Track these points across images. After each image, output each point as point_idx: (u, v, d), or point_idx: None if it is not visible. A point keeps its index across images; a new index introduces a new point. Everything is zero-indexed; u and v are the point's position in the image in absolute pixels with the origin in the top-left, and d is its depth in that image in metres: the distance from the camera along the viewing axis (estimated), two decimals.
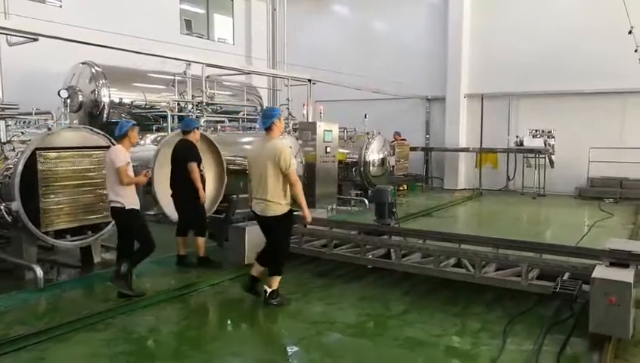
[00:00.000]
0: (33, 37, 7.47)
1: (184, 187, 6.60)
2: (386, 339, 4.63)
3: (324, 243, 6.81)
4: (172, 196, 6.80)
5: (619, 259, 4.79)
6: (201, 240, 6.83)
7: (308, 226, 6.16)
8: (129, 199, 5.51)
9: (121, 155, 5.47)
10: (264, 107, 5.26)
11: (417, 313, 5.21)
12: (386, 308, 5.38)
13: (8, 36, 8.37)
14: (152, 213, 7.80)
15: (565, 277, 5.04)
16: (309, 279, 6.34)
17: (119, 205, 5.47)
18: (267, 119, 5.21)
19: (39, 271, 5.83)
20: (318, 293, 5.82)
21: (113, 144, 6.57)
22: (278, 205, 5.09)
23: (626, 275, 4.39)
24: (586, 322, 4.42)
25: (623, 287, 4.20)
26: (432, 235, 6.70)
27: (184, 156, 6.63)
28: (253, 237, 6.50)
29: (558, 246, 5.92)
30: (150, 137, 9.29)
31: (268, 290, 5.26)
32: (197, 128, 6.92)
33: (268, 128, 5.19)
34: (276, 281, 5.30)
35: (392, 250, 6.31)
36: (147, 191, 7.05)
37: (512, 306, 5.32)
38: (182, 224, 6.93)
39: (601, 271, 4.54)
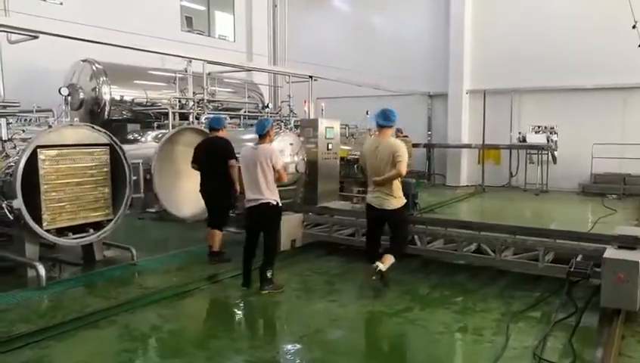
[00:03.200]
0: (34, 35, 7.46)
1: (223, 184, 6.74)
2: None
3: (351, 232, 7.31)
4: (205, 191, 6.90)
5: (627, 243, 5.18)
6: (220, 234, 6.93)
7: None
8: (278, 196, 5.72)
9: (279, 155, 5.81)
10: (384, 109, 5.72)
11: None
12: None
13: (9, 34, 8.37)
14: (153, 211, 7.80)
15: (578, 259, 5.53)
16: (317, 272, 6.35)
17: (274, 202, 5.64)
18: (388, 121, 5.60)
19: (42, 269, 5.82)
20: (322, 289, 5.83)
21: (115, 143, 6.57)
22: (395, 198, 5.49)
23: (634, 256, 4.84)
24: (590, 319, 4.46)
25: (631, 266, 4.68)
26: (453, 224, 7.03)
27: (226, 154, 6.78)
28: (288, 226, 7.20)
29: (570, 233, 6.30)
30: (151, 134, 9.28)
31: (381, 267, 5.45)
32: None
33: (386, 127, 5.63)
34: (389, 261, 5.53)
35: (417, 237, 6.68)
36: (148, 188, 7.04)
37: (516, 302, 5.31)
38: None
39: (611, 253, 4.99)
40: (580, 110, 14.55)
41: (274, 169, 5.61)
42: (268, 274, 5.66)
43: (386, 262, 5.52)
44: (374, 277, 5.50)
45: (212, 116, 8.45)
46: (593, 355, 4.14)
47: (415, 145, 15.90)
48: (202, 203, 7.06)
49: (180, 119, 9.16)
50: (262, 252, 5.72)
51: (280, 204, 5.74)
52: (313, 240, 7.67)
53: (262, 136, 5.77)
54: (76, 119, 7.14)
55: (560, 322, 4.72)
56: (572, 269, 5.25)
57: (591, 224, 9.74)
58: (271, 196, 5.65)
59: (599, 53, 13.86)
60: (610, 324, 4.58)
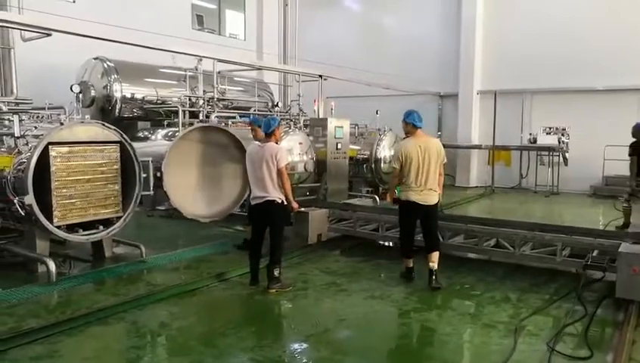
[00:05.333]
0: (47, 32, 7.51)
1: None
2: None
3: (374, 227, 7.66)
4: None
5: None
6: None
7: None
8: (282, 195, 5.69)
9: (285, 154, 5.75)
10: (414, 111, 6.07)
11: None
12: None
13: (22, 32, 8.45)
14: (162, 208, 7.82)
15: (594, 254, 5.88)
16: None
17: (279, 200, 5.64)
18: (420, 122, 5.96)
19: (52, 265, 5.88)
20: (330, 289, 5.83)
21: (126, 140, 6.60)
22: (437, 194, 5.93)
23: None
24: (602, 323, 4.41)
25: None
26: (472, 220, 7.36)
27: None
28: (315, 221, 7.60)
29: (586, 229, 6.64)
30: (161, 132, 9.32)
31: (435, 268, 5.82)
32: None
33: (420, 128, 5.99)
34: (437, 257, 5.87)
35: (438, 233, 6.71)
36: (158, 185, 7.07)
37: (525, 306, 5.28)
38: None
39: (627, 247, 5.35)
40: (592, 112, 14.38)
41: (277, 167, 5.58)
42: (276, 273, 5.66)
43: (436, 261, 5.86)
44: (434, 282, 5.74)
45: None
46: (603, 359, 4.10)
47: None
48: (218, 204, 7.03)
49: (190, 118, 9.18)
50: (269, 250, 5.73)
51: (284, 202, 5.70)
52: (339, 234, 7.99)
53: (269, 134, 5.75)
54: (87, 117, 7.18)
55: (570, 325, 4.68)
56: (588, 263, 5.65)
57: (602, 226, 9.63)
58: (277, 194, 5.64)
59: (612, 54, 13.69)
60: (621, 328, 4.57)
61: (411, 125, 5.92)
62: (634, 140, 9.26)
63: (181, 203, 7.35)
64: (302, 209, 7.22)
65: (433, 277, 5.77)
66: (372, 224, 7.75)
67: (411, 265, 6.05)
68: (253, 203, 5.79)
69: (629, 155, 9.32)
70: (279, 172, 5.60)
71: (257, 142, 5.94)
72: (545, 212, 12.18)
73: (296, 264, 6.78)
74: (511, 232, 6.60)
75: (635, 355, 4.15)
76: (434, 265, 5.82)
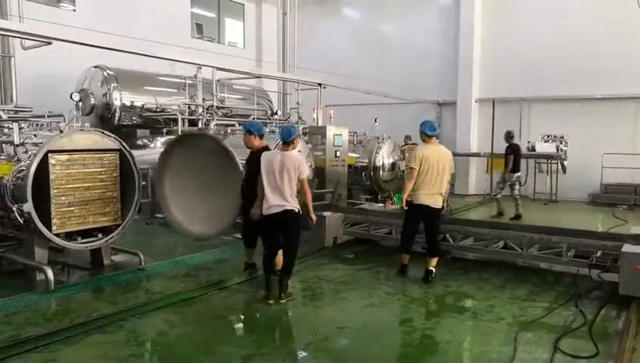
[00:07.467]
0: (47, 41, 7.55)
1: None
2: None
3: (388, 231, 7.92)
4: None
5: None
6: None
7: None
8: (297, 205, 5.64)
9: (306, 166, 5.79)
10: (430, 120, 6.66)
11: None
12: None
13: (23, 40, 8.50)
14: (161, 216, 7.81)
15: (598, 255, 6.24)
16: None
17: (295, 209, 5.57)
18: (432, 131, 6.34)
19: (50, 273, 5.85)
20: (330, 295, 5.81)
21: (125, 148, 6.61)
22: (442, 199, 6.38)
23: None
24: (601, 331, 4.39)
25: None
26: (482, 224, 7.77)
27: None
28: (331, 225, 7.90)
29: (590, 232, 7.00)
30: (160, 140, 9.35)
31: (434, 270, 6.30)
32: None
33: (434, 136, 6.43)
34: (435, 261, 6.33)
35: (448, 236, 7.19)
36: (156, 194, 7.08)
37: (525, 313, 5.27)
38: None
39: (629, 247, 5.64)
40: (591, 120, 14.43)
41: (298, 178, 5.52)
42: (289, 283, 5.62)
43: (435, 264, 6.34)
44: (429, 277, 6.24)
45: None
46: None
47: None
48: (217, 220, 6.98)
49: (189, 125, 9.21)
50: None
51: (300, 212, 5.61)
52: (352, 237, 8.28)
53: (288, 143, 5.66)
54: (86, 125, 7.18)
55: (571, 332, 4.68)
56: (593, 262, 6.07)
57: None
58: (295, 203, 5.56)
59: (611, 62, 13.77)
60: (621, 336, 4.57)
61: (423, 133, 6.38)
62: (507, 144, 11.59)
63: (177, 219, 7.20)
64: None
65: (430, 276, 6.26)
66: (385, 228, 8.03)
67: (407, 262, 6.46)
68: (268, 212, 5.56)
69: (507, 154, 11.55)
70: (301, 183, 5.56)
71: (277, 149, 5.80)
72: (544, 219, 12.13)
73: (297, 271, 6.74)
74: (519, 235, 6.88)
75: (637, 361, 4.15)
76: (432, 268, 6.30)
